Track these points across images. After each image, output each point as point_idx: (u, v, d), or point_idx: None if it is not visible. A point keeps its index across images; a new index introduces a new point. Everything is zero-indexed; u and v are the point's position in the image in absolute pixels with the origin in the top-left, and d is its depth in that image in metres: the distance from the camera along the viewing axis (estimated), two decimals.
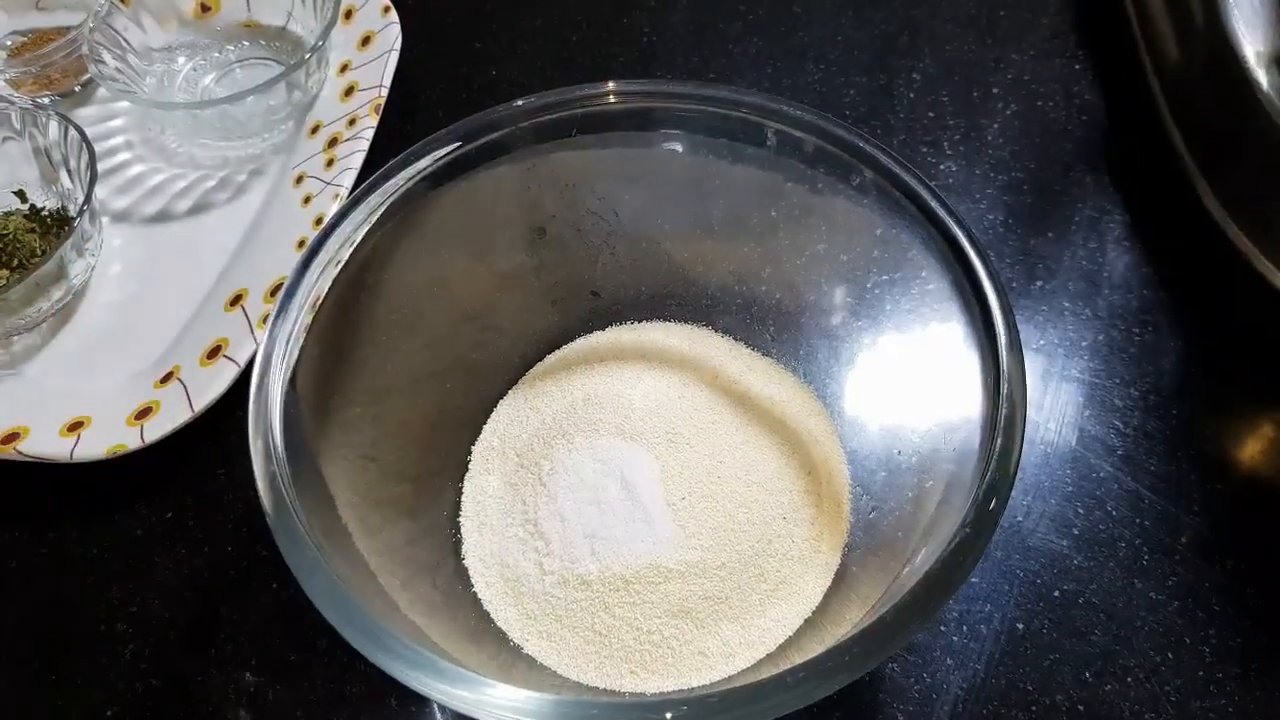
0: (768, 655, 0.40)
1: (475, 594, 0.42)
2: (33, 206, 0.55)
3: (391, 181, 0.40)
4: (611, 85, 0.42)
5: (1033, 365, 0.48)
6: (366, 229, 0.40)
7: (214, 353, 0.49)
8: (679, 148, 0.43)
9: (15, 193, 0.55)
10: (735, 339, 0.48)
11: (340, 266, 0.39)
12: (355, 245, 0.39)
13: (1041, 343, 0.49)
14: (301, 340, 0.37)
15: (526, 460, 0.44)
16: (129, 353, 0.51)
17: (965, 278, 0.37)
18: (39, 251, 0.52)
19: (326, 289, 0.38)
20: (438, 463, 0.45)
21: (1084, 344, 0.49)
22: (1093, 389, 0.47)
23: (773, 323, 0.47)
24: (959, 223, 0.38)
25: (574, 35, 0.63)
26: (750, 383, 0.46)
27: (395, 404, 0.43)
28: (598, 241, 0.46)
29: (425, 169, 0.41)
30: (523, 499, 0.43)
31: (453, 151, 0.41)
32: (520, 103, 0.41)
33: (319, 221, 0.52)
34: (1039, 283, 0.51)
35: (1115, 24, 0.59)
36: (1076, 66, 0.59)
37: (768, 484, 0.42)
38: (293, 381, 0.36)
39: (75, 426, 0.47)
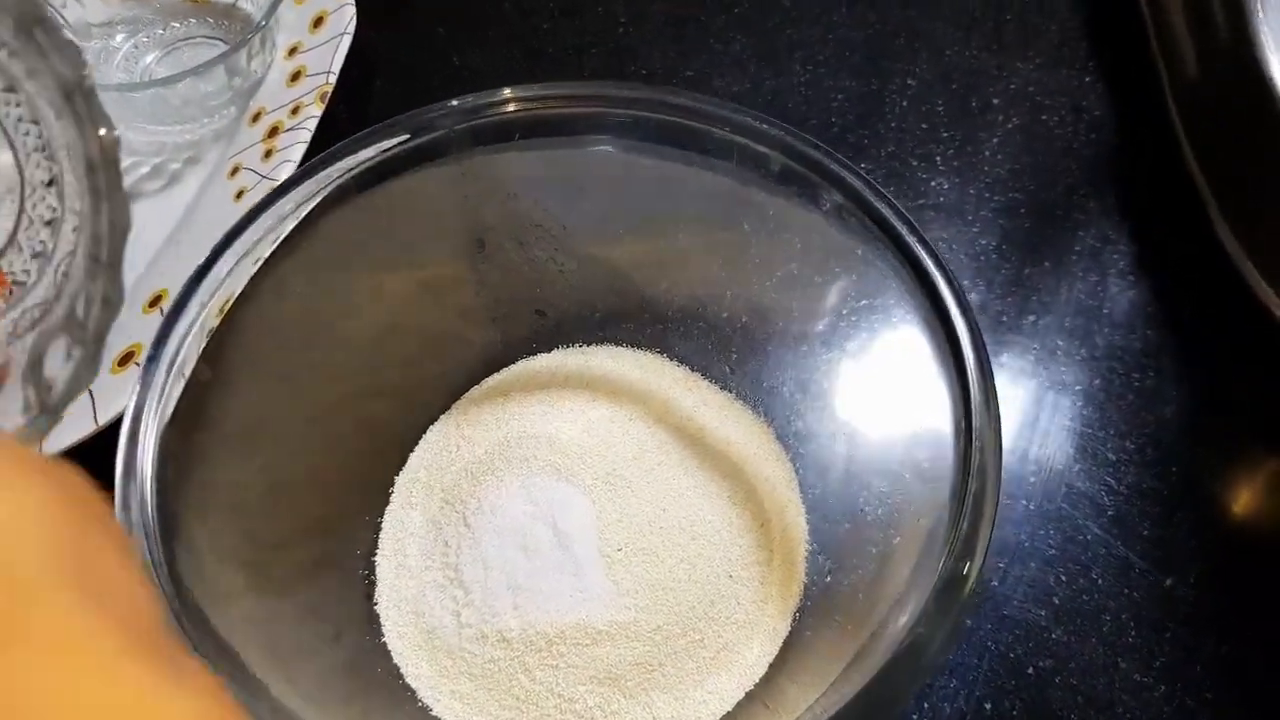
0: None
1: (385, 644, 0.38)
2: None
3: (309, 183, 0.36)
4: (558, 88, 0.37)
5: (1020, 410, 0.44)
6: (275, 239, 0.35)
7: (125, 359, 0.44)
8: (637, 157, 0.39)
9: None
10: (691, 369, 0.44)
11: (243, 279, 0.35)
12: (259, 261, 0.35)
13: (1030, 384, 0.44)
14: (187, 368, 0.33)
15: (452, 496, 0.40)
16: None
17: (938, 319, 0.33)
18: None
19: (221, 307, 0.34)
20: (355, 495, 0.41)
21: (1077, 388, 0.44)
22: (1084, 439, 0.43)
23: (735, 351, 0.43)
24: (933, 257, 0.33)
25: (545, 23, 0.58)
26: (704, 419, 0.41)
27: (303, 433, 0.39)
28: (543, 256, 0.42)
29: (349, 170, 0.37)
30: (445, 540, 0.39)
31: (380, 153, 0.37)
32: (455, 102, 0.37)
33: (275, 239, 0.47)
34: (1032, 317, 0.46)
35: (1130, 34, 0.54)
36: (1086, 79, 0.54)
37: (714, 537, 0.38)
38: (173, 421, 0.32)
39: None
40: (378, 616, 0.39)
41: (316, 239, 0.37)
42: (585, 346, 0.44)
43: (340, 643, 0.37)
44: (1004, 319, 0.46)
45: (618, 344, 0.44)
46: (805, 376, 0.41)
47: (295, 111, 0.51)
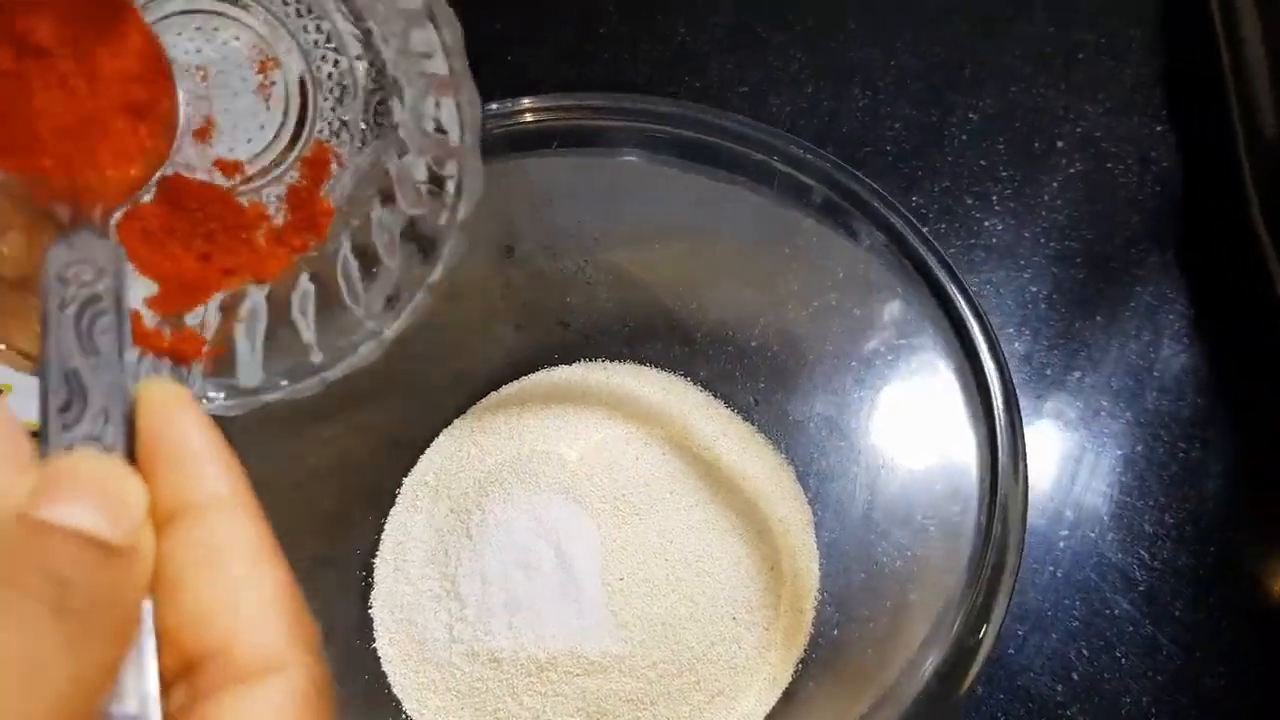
0: None
1: (375, 650, 0.37)
2: None
3: None
4: (597, 98, 0.36)
5: (1056, 469, 0.42)
6: None
7: None
8: (674, 174, 0.38)
9: None
10: (715, 395, 0.42)
11: None
12: None
13: (1070, 443, 0.43)
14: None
15: (459, 505, 0.39)
16: None
17: (972, 374, 0.31)
18: None
19: None
20: (361, 493, 0.40)
21: (1119, 453, 0.42)
22: (1121, 508, 0.41)
23: (763, 381, 0.42)
24: (972, 307, 0.32)
25: (603, 26, 0.57)
26: (722, 450, 0.40)
27: (311, 426, 0.38)
28: (572, 267, 0.41)
29: None
30: (446, 549, 0.38)
31: None
32: (495, 106, 0.36)
33: None
34: (1078, 373, 0.44)
35: (1209, 86, 0.52)
36: (1158, 128, 0.52)
37: (721, 575, 0.37)
38: None
39: None
40: (371, 621, 0.38)
41: None
42: (608, 362, 0.43)
43: (328, 643, 0.36)
44: (1048, 372, 0.44)
45: (641, 362, 0.43)
46: (833, 414, 0.40)
47: None
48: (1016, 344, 0.45)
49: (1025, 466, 0.29)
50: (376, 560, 0.39)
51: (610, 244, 0.40)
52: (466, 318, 0.42)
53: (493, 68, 0.56)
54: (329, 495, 0.39)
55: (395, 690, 0.36)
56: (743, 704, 0.35)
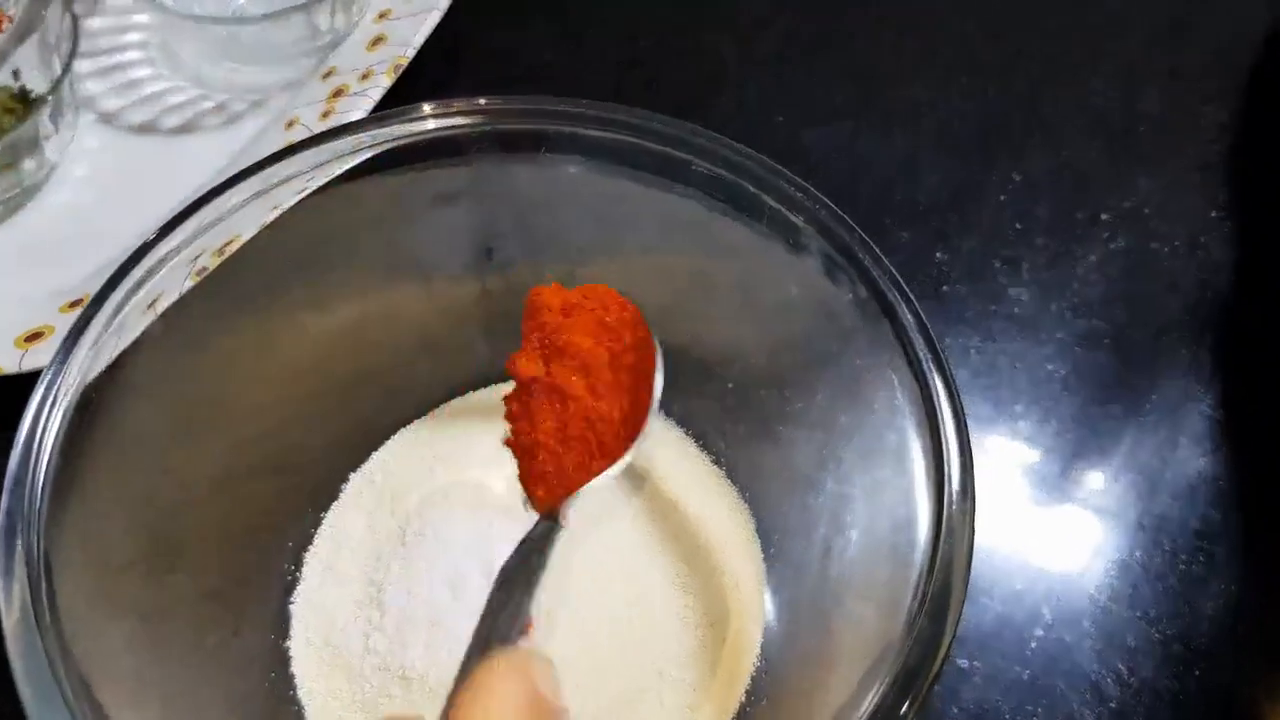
0: None
1: (288, 650, 0.36)
2: (23, 88, 0.51)
3: (314, 152, 0.35)
4: (600, 109, 0.35)
5: (1042, 563, 0.39)
6: (253, 210, 0.34)
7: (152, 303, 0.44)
8: (668, 198, 0.36)
9: (12, 71, 0.52)
10: (687, 432, 0.40)
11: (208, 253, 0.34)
12: (226, 235, 0.34)
13: (1062, 537, 0.40)
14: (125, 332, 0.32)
15: (399, 509, 0.38)
16: (56, 265, 0.47)
17: (934, 459, 0.29)
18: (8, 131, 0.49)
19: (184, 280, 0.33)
20: (306, 485, 0.39)
21: (1114, 555, 0.39)
22: (1105, 615, 0.38)
23: (743, 425, 0.40)
24: (949, 390, 0.30)
25: (646, 40, 0.56)
26: (683, 492, 0.38)
27: (269, 408, 0.37)
28: (555, 276, 0.39)
29: (362, 148, 0.35)
30: (379, 554, 0.37)
31: (398, 138, 0.35)
32: (483, 101, 0.35)
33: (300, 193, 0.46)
34: (1084, 462, 0.42)
35: (1275, 177, 0.49)
36: (1213, 214, 0.49)
37: (656, 625, 0.35)
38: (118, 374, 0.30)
39: None
40: (290, 617, 0.37)
41: (315, 211, 0.35)
42: None
43: (239, 636, 0.35)
44: (1053, 455, 0.42)
45: None
46: (809, 472, 0.37)
47: (365, 77, 0.50)
48: (1022, 422, 0.43)
49: (964, 565, 0.27)
50: (307, 554, 0.38)
51: (595, 260, 0.39)
52: (438, 319, 0.41)
53: (527, 67, 0.56)
54: (272, 486, 0.38)
55: (300, 694, 0.35)
56: None
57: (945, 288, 0.47)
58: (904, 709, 0.26)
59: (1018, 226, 0.49)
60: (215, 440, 0.36)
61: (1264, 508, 0.41)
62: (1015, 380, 0.44)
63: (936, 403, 0.29)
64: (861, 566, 0.33)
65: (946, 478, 0.29)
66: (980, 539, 0.39)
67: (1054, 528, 0.40)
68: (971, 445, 0.29)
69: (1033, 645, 0.38)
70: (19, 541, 0.27)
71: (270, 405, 0.38)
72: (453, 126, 0.35)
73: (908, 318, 0.31)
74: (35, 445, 0.28)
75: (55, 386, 0.29)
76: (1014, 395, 0.44)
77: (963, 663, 0.37)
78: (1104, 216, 0.49)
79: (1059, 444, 0.42)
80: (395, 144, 0.35)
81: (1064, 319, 0.46)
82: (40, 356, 0.42)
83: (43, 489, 0.28)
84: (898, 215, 0.49)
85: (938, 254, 0.48)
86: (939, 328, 0.45)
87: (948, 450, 0.29)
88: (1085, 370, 0.44)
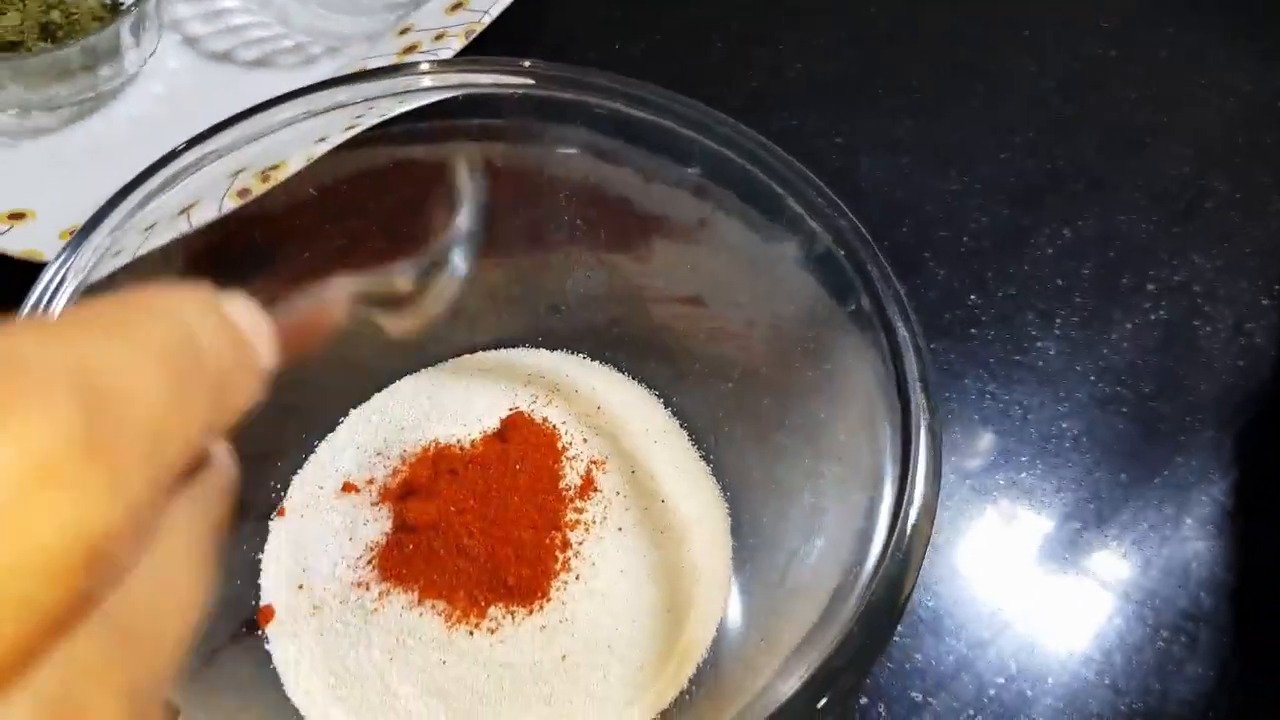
0: None
1: (259, 561, 0.37)
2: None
3: (354, 87, 0.36)
4: (649, 90, 0.36)
5: (1017, 621, 0.39)
6: (298, 133, 0.36)
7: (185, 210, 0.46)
8: (694, 188, 0.37)
9: None
10: (681, 422, 0.41)
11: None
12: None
13: (1044, 597, 0.39)
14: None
15: (387, 449, 0.39)
16: (114, 171, 0.49)
17: (898, 493, 0.29)
18: None
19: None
20: (303, 416, 0.41)
21: (1094, 621, 0.39)
22: (1072, 679, 0.38)
23: (739, 427, 0.40)
24: (930, 432, 0.29)
25: (720, 40, 0.57)
26: (667, 479, 0.39)
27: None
28: (580, 250, 0.40)
29: (406, 91, 0.37)
30: (362, 483, 0.39)
31: (447, 87, 0.37)
32: (528, 64, 0.36)
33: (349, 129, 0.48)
34: (1078, 525, 0.41)
35: None
36: (1264, 301, 0.48)
37: (616, 600, 0.36)
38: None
39: (16, 216, 0.46)
40: (268, 533, 0.38)
41: (349, 159, 0.37)
42: (586, 359, 0.43)
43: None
44: (1049, 511, 0.41)
45: (619, 368, 0.42)
46: (786, 481, 0.38)
47: (439, 38, 0.52)
48: (1024, 474, 0.43)
49: (912, 579, 0.27)
50: (296, 478, 0.40)
51: (621, 240, 0.40)
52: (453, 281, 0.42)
53: (599, 52, 0.57)
54: (275, 411, 0.40)
55: (262, 599, 0.36)
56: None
57: (973, 330, 0.47)
58: (819, 704, 0.26)
59: (1059, 282, 0.49)
60: None
61: (1257, 602, 0.40)
62: (1024, 432, 0.44)
63: (915, 429, 0.29)
64: (817, 575, 0.34)
65: (906, 504, 0.29)
66: (956, 581, 0.39)
67: (1036, 583, 0.40)
68: (937, 479, 0.29)
69: (991, 692, 0.37)
70: None
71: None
72: (501, 85, 0.36)
73: (904, 336, 0.31)
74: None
75: (64, 268, 0.30)
76: (1020, 446, 0.43)
77: (916, 696, 0.37)
78: (1150, 287, 0.49)
79: (1057, 501, 0.42)
80: (448, 91, 0.36)
81: (1087, 380, 0.45)
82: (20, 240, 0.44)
83: None
84: (939, 252, 0.49)
85: (972, 296, 0.48)
86: (959, 369, 0.45)
87: (914, 478, 0.29)
88: (1099, 434, 0.44)
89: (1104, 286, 0.49)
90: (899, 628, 0.38)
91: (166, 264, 0.35)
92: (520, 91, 0.36)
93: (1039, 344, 0.47)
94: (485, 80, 0.36)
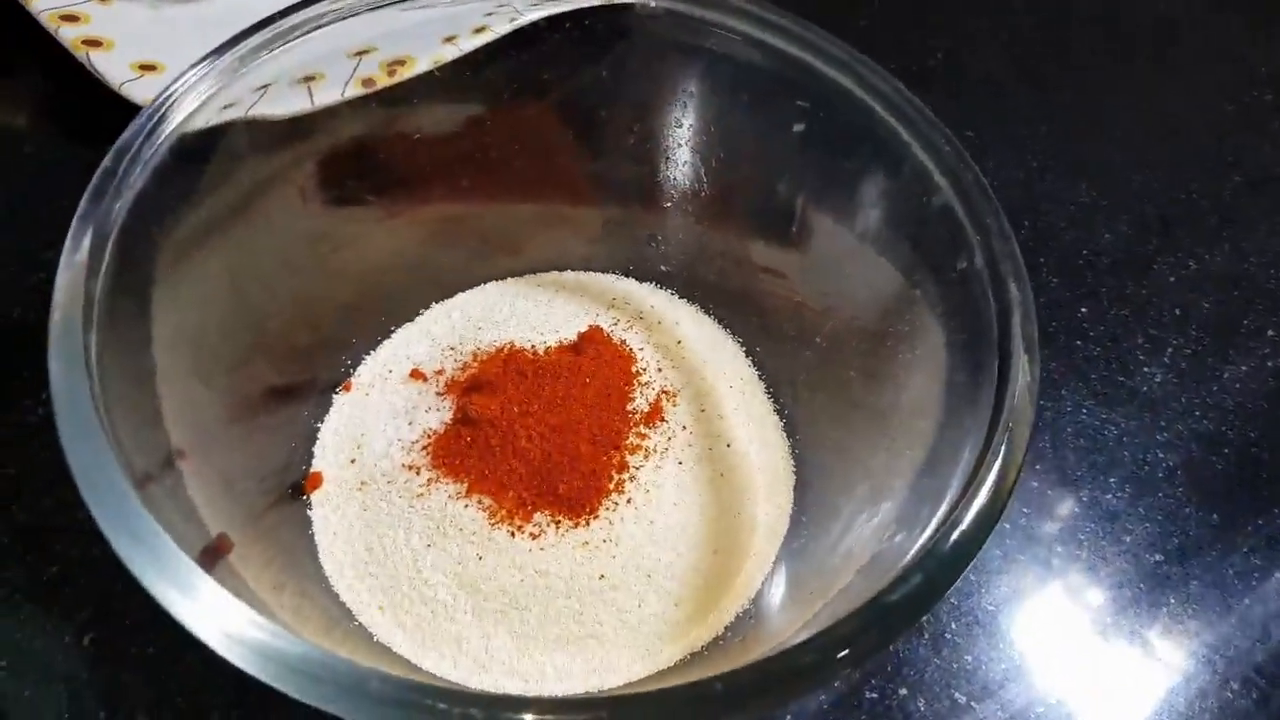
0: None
1: (316, 429, 0.37)
2: None
3: None
4: (803, 27, 0.35)
5: (1071, 644, 0.37)
6: (428, 31, 0.36)
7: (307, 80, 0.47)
8: (819, 124, 0.36)
9: None
10: (762, 374, 0.40)
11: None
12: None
13: (1105, 625, 0.38)
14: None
15: (461, 346, 0.39)
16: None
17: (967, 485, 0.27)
18: None
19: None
20: (384, 303, 0.41)
21: (1157, 660, 0.37)
22: (1129, 716, 0.36)
23: (820, 394, 0.39)
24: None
25: (868, 16, 0.56)
26: (739, 430, 0.38)
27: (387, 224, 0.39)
28: (689, 186, 0.40)
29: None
30: (431, 370, 0.38)
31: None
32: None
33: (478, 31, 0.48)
34: (1159, 558, 0.39)
35: None
36: None
37: (668, 531, 0.35)
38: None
39: (147, 67, 0.47)
40: (331, 405, 0.38)
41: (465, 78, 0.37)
42: (674, 295, 0.42)
43: (284, 407, 0.37)
44: (1130, 537, 0.39)
45: (707, 310, 0.42)
46: (860, 457, 0.36)
47: None
48: (1112, 496, 0.41)
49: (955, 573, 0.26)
50: (368, 358, 0.40)
51: (736, 188, 0.39)
52: (555, 192, 0.42)
53: None
54: (358, 298, 0.40)
55: (314, 464, 0.37)
56: (613, 659, 0.33)
57: (1079, 343, 0.45)
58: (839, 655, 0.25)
59: (1176, 312, 0.47)
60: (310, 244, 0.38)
61: None
62: (1117, 454, 0.42)
63: (1001, 422, 0.28)
64: (872, 545, 0.32)
65: (975, 490, 0.27)
66: (1021, 587, 0.38)
67: (1104, 606, 0.38)
68: (1011, 484, 0.27)
69: (1039, 710, 0.36)
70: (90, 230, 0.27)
71: (372, 234, 0.40)
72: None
73: (1015, 296, 0.29)
74: (134, 146, 0.29)
75: (164, 108, 0.30)
76: (1110, 467, 0.41)
77: (960, 697, 0.35)
78: (1270, 333, 0.46)
79: (1141, 529, 0.40)
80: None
81: (1191, 414, 0.43)
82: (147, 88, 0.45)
83: (131, 198, 0.29)
84: (1055, 261, 0.48)
85: (1083, 309, 0.46)
86: (1059, 379, 0.44)
87: (982, 478, 0.27)
88: (1195, 470, 0.42)
89: (1223, 324, 0.46)
90: (953, 625, 0.37)
91: (280, 139, 0.35)
92: (657, 6, 0.36)
93: (1146, 369, 0.45)
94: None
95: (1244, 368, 0.45)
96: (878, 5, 0.59)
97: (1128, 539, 0.40)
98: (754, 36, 0.35)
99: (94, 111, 0.45)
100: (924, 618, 0.36)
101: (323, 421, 0.38)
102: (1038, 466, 0.41)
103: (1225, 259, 0.49)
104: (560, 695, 0.32)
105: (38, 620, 0.35)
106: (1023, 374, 0.29)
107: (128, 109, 0.42)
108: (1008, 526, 0.40)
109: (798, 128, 0.36)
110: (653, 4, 0.36)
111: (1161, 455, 0.42)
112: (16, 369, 0.40)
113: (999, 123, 0.53)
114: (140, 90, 0.45)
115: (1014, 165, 0.51)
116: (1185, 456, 0.42)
